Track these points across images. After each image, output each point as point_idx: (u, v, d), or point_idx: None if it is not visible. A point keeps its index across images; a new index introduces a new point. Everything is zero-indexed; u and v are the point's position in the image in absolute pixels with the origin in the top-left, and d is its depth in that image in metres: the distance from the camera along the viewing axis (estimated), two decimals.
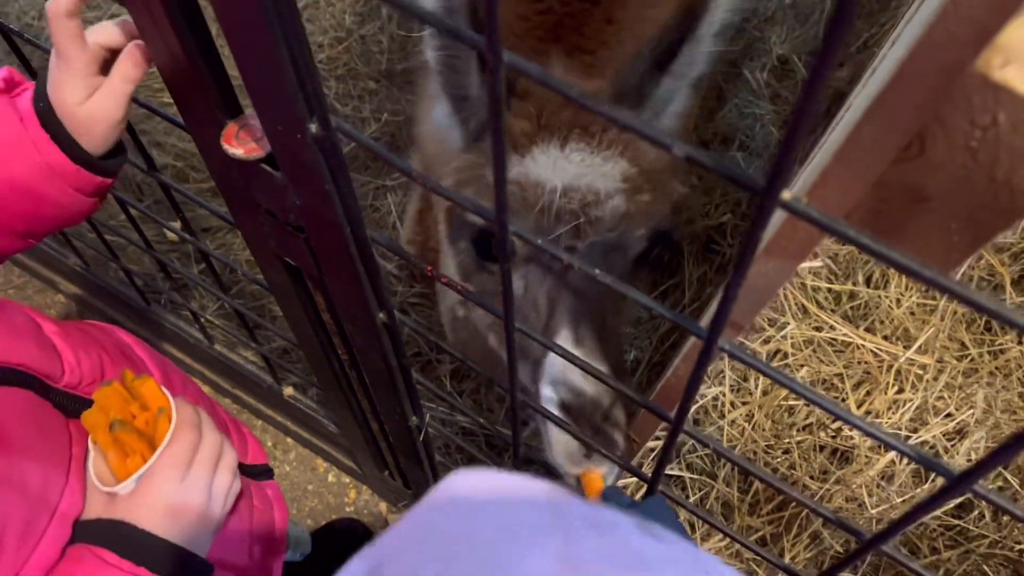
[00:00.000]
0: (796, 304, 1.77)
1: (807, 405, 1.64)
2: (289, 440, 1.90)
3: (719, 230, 2.02)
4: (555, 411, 1.02)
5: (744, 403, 1.66)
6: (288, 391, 1.59)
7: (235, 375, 1.77)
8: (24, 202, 0.90)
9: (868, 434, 0.58)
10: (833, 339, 1.70)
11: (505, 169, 0.47)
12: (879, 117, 0.40)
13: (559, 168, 1.10)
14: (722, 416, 1.63)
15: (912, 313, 1.77)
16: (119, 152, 0.95)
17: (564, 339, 1.07)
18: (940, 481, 1.56)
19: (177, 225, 2.15)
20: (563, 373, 1.04)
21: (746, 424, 1.63)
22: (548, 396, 1.05)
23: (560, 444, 1.04)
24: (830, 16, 0.32)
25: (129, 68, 0.85)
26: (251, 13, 0.54)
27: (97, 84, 0.87)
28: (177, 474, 0.90)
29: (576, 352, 1.03)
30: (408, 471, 1.47)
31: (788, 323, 1.71)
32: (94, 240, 1.65)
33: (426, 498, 0.43)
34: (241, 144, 0.75)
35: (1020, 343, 1.73)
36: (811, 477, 1.57)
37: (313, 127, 0.64)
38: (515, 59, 0.40)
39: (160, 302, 1.76)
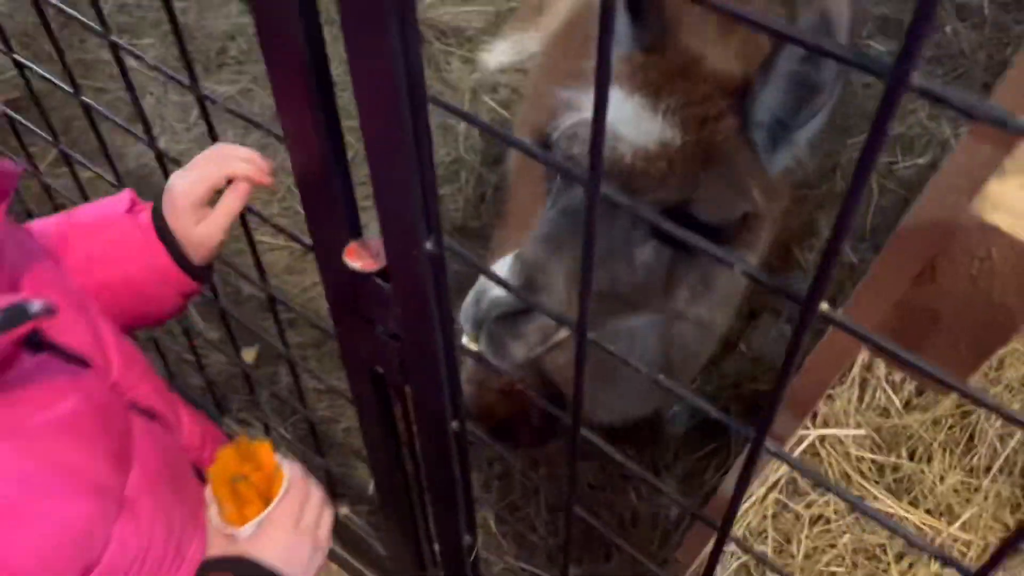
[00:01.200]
0: (839, 471, 1.80)
1: (852, 569, 1.65)
2: (334, 566, 1.94)
3: (761, 394, 2.09)
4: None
5: (786, 564, 1.67)
6: (344, 510, 1.66)
7: None
8: (133, 298, 1.11)
9: None
10: (876, 509, 1.72)
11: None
12: (899, 250, 0.51)
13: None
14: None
15: (956, 491, 1.79)
16: (210, 264, 1.17)
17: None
18: None
19: (255, 350, 2.31)
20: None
21: None
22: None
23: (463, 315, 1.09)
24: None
25: (234, 203, 1.10)
26: (396, 139, 0.68)
27: (204, 215, 1.10)
28: (292, 521, 1.06)
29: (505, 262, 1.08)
30: None
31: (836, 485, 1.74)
32: (180, 348, 1.79)
33: None
34: (359, 259, 0.89)
35: None
36: None
37: (429, 244, 0.78)
38: None
39: (232, 413, 1.88)
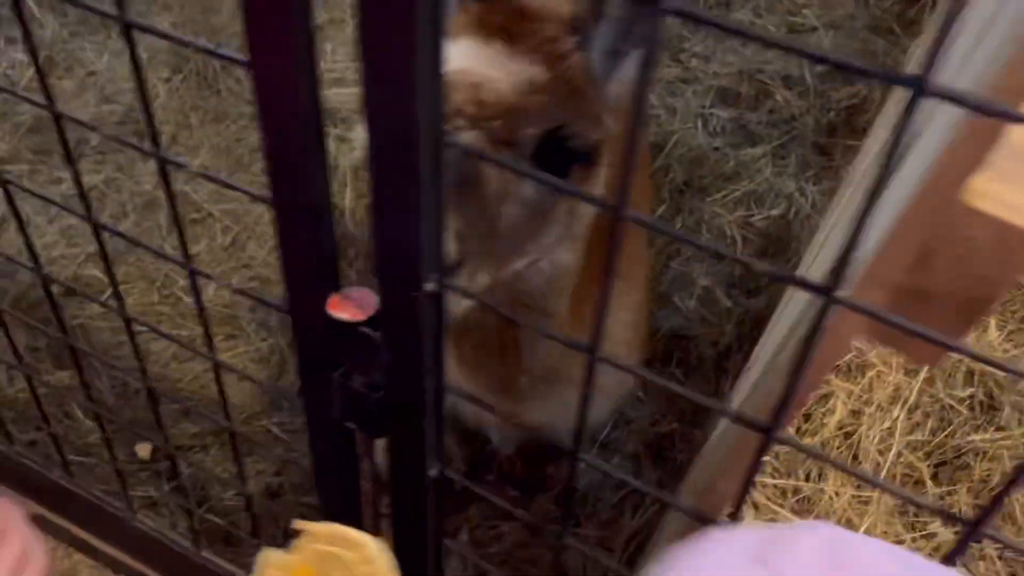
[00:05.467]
0: (748, 499, 1.93)
1: None
2: None
3: (668, 438, 2.20)
4: None
5: None
6: None
7: None
8: None
9: None
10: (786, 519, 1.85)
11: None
12: (896, 243, 0.61)
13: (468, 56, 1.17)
14: None
15: (851, 505, 1.95)
16: None
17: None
18: None
19: (149, 445, 2.19)
20: None
21: None
22: None
23: None
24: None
25: None
26: (410, 175, 0.72)
27: None
28: None
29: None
30: None
31: (746, 516, 1.86)
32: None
33: None
34: (345, 310, 0.91)
35: (945, 528, 1.92)
36: None
37: (431, 285, 0.81)
38: None
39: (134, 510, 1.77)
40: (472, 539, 2.04)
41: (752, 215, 2.71)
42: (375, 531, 1.25)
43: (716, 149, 2.94)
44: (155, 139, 0.90)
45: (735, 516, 0.85)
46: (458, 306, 1.14)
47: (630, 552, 1.99)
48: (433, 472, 1.04)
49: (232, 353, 2.40)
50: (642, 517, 2.04)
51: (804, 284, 0.61)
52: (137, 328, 2.44)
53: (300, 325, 0.97)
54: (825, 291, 0.60)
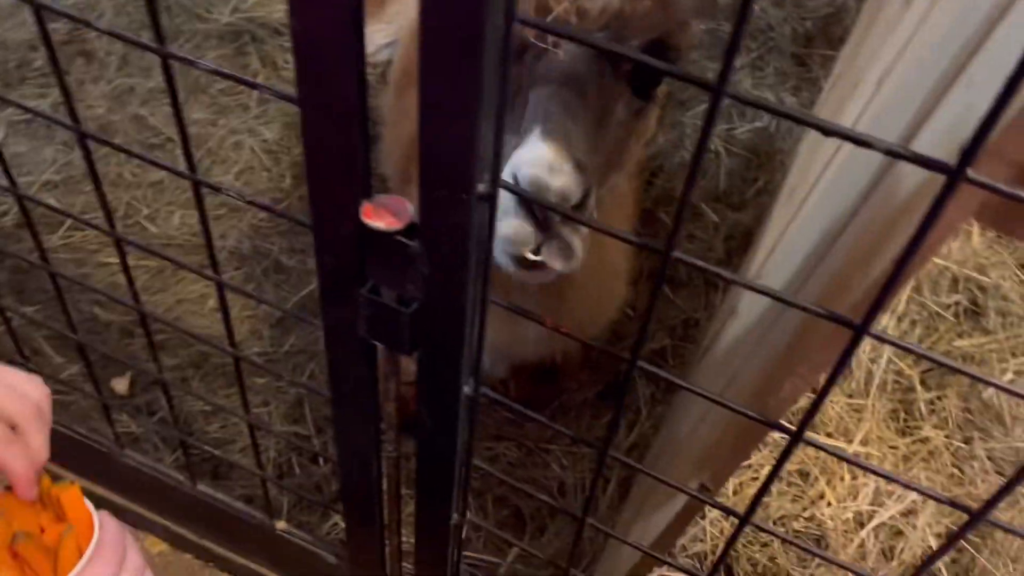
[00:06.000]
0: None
1: (777, 497, 1.76)
2: None
3: (660, 354, 2.19)
4: (511, 204, 1.05)
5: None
6: (281, 524, 1.54)
7: (209, 521, 1.70)
8: None
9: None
10: (786, 438, 1.85)
11: None
12: None
13: None
14: (703, 516, 1.72)
15: (846, 414, 1.97)
16: None
17: (534, 136, 1.04)
18: (906, 556, 1.68)
19: (127, 379, 2.10)
20: (528, 165, 1.02)
21: (725, 522, 1.72)
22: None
23: (511, 227, 1.06)
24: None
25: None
26: (473, 55, 0.63)
27: None
28: None
29: (545, 148, 1.03)
30: None
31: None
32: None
33: None
34: (380, 218, 0.84)
35: (936, 429, 1.95)
36: (793, 566, 1.67)
37: (482, 186, 0.74)
38: None
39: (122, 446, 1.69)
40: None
41: (734, 128, 2.67)
42: (397, 457, 1.20)
43: (694, 62, 2.86)
44: None
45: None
46: (580, 246, 1.09)
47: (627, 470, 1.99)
48: (467, 389, 0.99)
49: (205, 283, 2.30)
50: (637, 433, 2.03)
51: (926, 162, 0.56)
52: (105, 259, 2.33)
53: (325, 239, 0.90)
54: (954, 172, 0.55)
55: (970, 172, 0.54)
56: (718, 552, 0.92)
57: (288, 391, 2.10)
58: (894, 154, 0.56)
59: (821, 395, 0.74)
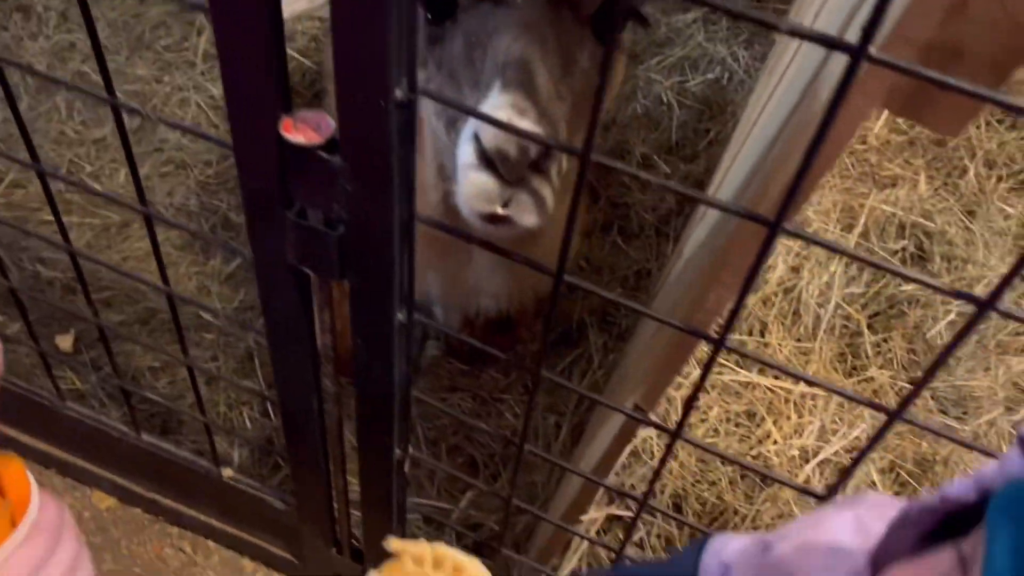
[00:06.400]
0: (694, 357, 1.94)
1: (725, 437, 1.79)
2: (211, 543, 1.79)
3: (612, 303, 2.19)
4: (474, 159, 1.02)
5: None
6: (228, 472, 1.53)
7: (157, 473, 1.68)
8: None
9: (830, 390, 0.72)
10: (734, 381, 1.88)
11: None
12: None
13: None
14: (652, 457, 1.74)
15: (794, 357, 1.99)
16: None
17: (494, 90, 1.02)
18: (850, 492, 1.71)
19: (71, 336, 2.06)
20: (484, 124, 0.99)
21: (674, 463, 1.74)
22: (466, 149, 1.03)
23: (474, 184, 1.03)
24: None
25: None
26: None
27: None
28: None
29: (504, 101, 1.00)
30: (368, 531, 1.45)
31: (692, 371, 1.88)
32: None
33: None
34: (300, 133, 0.82)
35: (881, 370, 1.98)
36: (740, 503, 1.69)
37: (399, 92, 0.73)
38: None
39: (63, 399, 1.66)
40: (420, 412, 2.01)
41: (687, 80, 2.66)
42: (337, 393, 1.19)
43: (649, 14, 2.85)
44: None
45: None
46: (551, 197, 1.05)
47: (581, 413, 2.00)
48: (400, 317, 0.98)
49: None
50: (589, 380, 2.04)
51: (831, 42, 0.56)
52: (46, 217, 2.28)
53: (246, 158, 0.88)
54: (856, 50, 0.54)
55: (872, 50, 0.54)
56: (655, 468, 0.93)
57: (238, 345, 2.08)
58: (796, 33, 0.56)
59: (741, 295, 0.74)
